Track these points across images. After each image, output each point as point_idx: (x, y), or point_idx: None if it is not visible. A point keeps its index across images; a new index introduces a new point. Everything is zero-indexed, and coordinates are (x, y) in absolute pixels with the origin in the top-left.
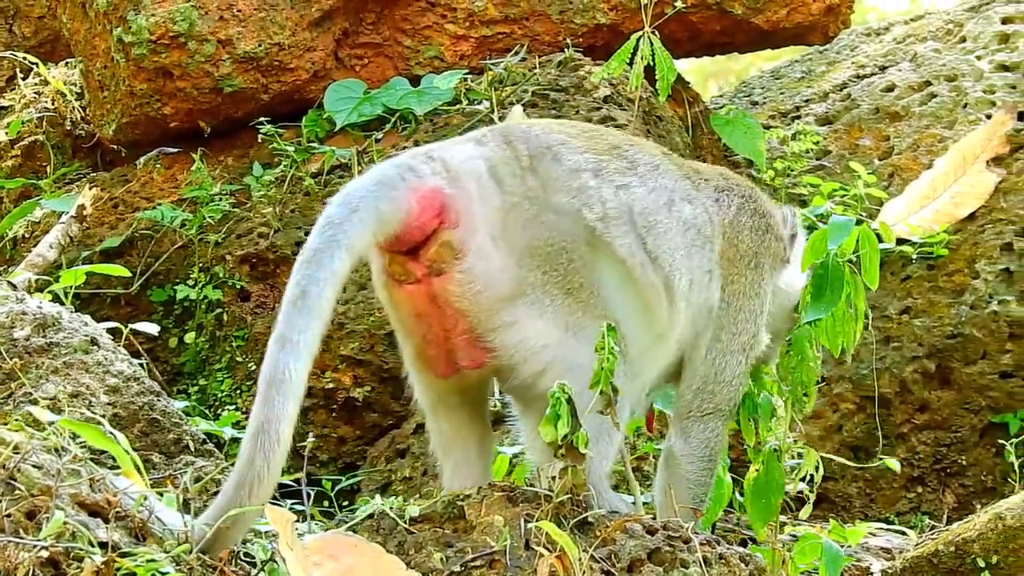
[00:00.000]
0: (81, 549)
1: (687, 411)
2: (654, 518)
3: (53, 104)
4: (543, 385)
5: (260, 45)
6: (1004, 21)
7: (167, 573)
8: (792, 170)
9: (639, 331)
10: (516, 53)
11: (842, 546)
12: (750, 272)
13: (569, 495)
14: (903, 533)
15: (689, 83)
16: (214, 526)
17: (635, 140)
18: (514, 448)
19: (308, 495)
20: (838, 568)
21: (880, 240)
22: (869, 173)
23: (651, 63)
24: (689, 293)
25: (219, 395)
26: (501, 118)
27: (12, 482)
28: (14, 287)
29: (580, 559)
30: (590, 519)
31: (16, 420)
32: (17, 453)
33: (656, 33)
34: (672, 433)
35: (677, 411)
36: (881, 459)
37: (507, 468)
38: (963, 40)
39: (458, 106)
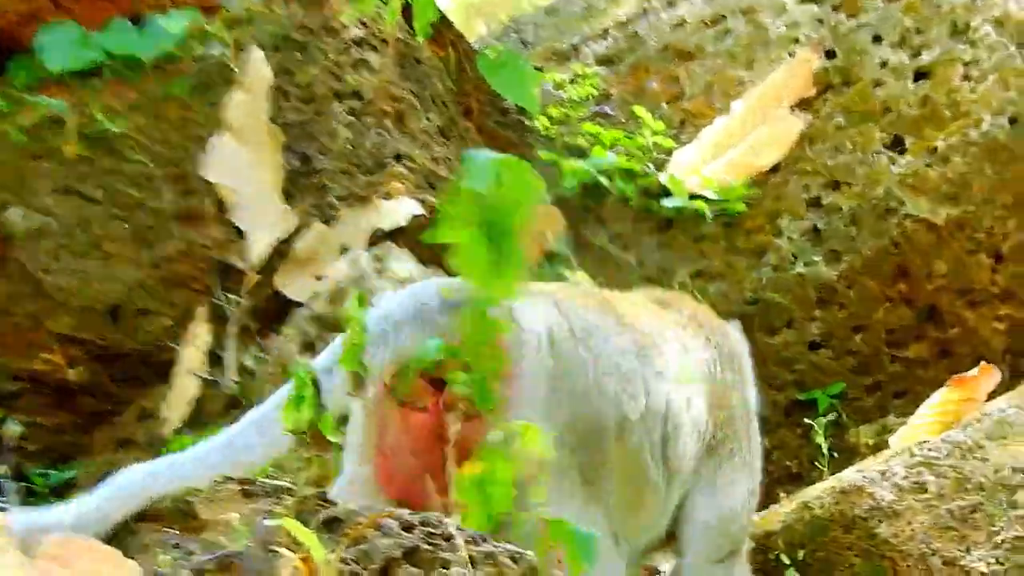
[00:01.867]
0: None
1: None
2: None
3: None
4: None
5: None
6: None
7: None
8: (569, 118)
9: (634, 518)
10: None
11: None
12: (743, 421)
13: (314, 489)
14: None
15: (452, 22)
16: None
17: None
18: None
19: (4, 490)
20: (590, 554)
21: (669, 195)
22: (656, 119)
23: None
24: (685, 479)
25: None
26: (238, 66)
27: None
28: None
29: (327, 561)
30: (338, 515)
31: None
32: None
33: None
34: None
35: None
36: None
37: None
38: None
39: (189, 51)
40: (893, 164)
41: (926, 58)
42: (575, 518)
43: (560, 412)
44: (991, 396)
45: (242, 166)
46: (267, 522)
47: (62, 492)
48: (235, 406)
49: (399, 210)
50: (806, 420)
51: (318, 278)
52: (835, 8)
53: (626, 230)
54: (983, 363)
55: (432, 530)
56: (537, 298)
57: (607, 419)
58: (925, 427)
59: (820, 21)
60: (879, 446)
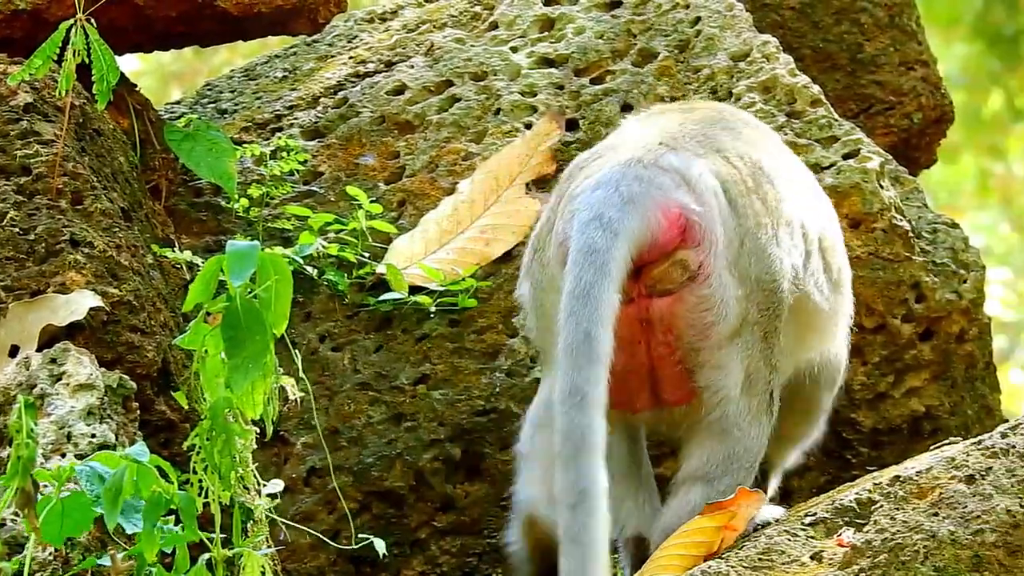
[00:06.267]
0: None
1: None
2: None
3: None
4: (696, 438)
5: None
6: (547, 2)
7: None
8: (272, 198)
9: (800, 344)
10: None
11: None
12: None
13: None
14: None
15: (137, 87)
16: None
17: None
18: None
19: None
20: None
21: (388, 288)
22: (373, 201)
23: (86, 60)
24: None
25: None
26: None
27: None
28: None
29: None
30: None
31: None
32: None
33: (93, 21)
34: None
35: None
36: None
37: None
38: (494, 27)
39: None
40: None
41: None
42: (747, 376)
43: (749, 271)
44: None
45: None
46: None
47: None
48: None
49: (76, 303)
50: None
51: None
52: (577, 72)
53: (339, 329)
54: (741, 487)
55: None
56: (696, 147)
57: (784, 273)
58: (668, 559)
59: (560, 87)
60: None
